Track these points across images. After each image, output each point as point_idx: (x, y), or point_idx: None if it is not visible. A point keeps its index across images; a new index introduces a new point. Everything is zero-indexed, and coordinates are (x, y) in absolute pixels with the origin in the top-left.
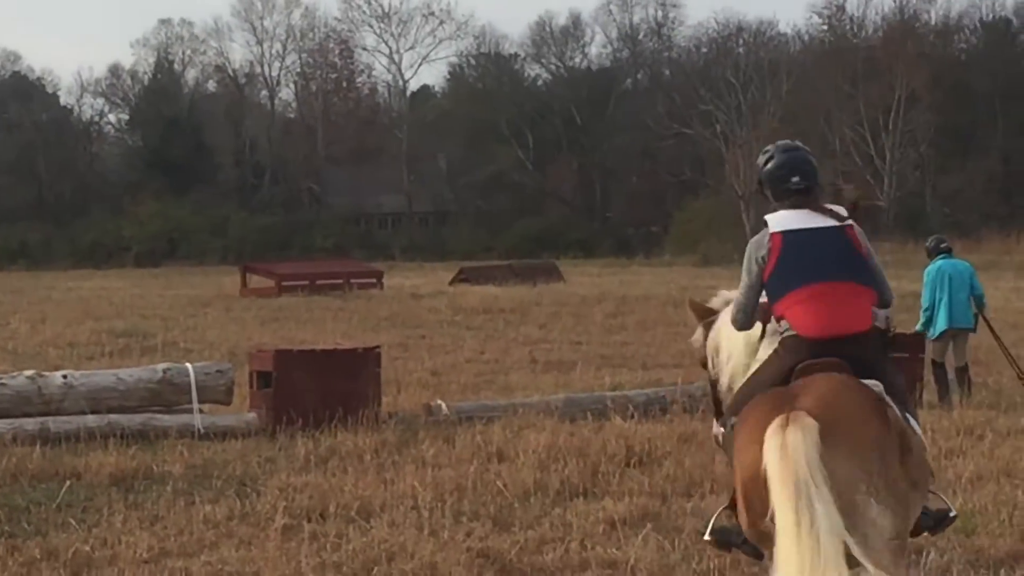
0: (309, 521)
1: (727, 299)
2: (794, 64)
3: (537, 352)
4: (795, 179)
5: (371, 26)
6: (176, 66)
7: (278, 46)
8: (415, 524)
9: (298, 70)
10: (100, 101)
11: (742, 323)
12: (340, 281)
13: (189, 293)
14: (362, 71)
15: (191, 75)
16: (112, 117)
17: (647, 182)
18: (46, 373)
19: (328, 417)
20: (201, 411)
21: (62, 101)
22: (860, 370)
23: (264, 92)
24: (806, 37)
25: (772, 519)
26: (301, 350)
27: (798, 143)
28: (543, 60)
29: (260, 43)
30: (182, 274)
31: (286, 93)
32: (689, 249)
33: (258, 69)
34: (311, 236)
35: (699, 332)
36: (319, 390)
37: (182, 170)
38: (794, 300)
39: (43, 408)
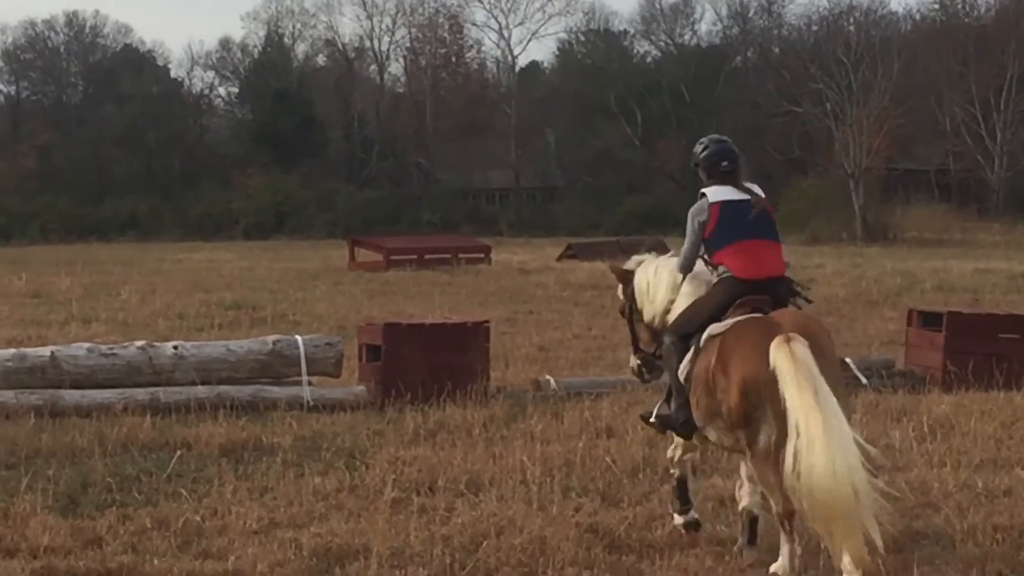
0: (418, 494)
1: (638, 261)
2: (905, 43)
3: None
4: (724, 163)
5: (481, 1)
6: (286, 40)
7: (388, 20)
8: (524, 498)
9: (407, 45)
10: (210, 74)
11: (685, 269)
12: (448, 256)
13: (298, 266)
14: (471, 46)
15: (301, 49)
16: (222, 90)
17: (755, 160)
18: (157, 344)
19: (437, 391)
20: (310, 383)
21: (172, 74)
22: (778, 304)
23: (373, 66)
24: (917, 16)
25: (768, 416)
26: (410, 324)
27: (726, 138)
28: (652, 37)
29: (370, 17)
30: (290, 247)
31: (395, 68)
32: (797, 228)
33: (368, 43)
34: (419, 211)
35: (620, 289)
36: (428, 364)
37: (291, 144)
38: (730, 252)
39: (153, 379)
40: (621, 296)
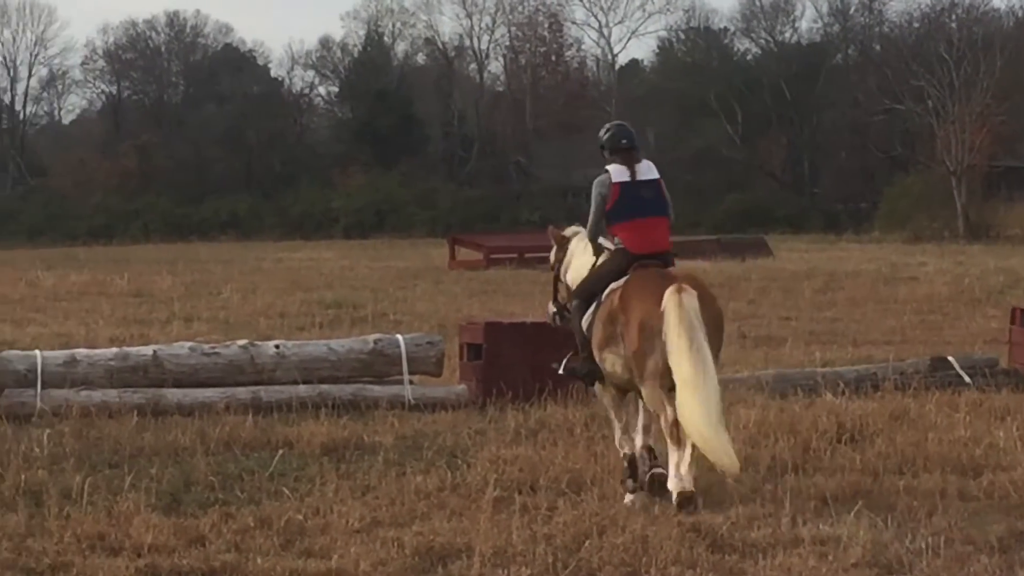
0: (520, 493)
1: (575, 231)
2: (1007, 39)
3: (746, 327)
4: (624, 141)
5: (581, 0)
6: (386, 39)
7: (487, 19)
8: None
9: (507, 43)
10: (310, 73)
11: (594, 236)
12: (548, 254)
13: (398, 265)
14: (571, 45)
15: (400, 48)
16: (322, 89)
17: (856, 158)
18: (259, 343)
19: (538, 390)
20: (411, 382)
21: (272, 73)
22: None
23: (473, 65)
24: (1020, 12)
25: (657, 347)
26: (511, 322)
27: (624, 123)
28: (753, 35)
29: (469, 16)
30: (390, 246)
31: (495, 66)
32: (899, 226)
33: (467, 42)
34: (518, 209)
35: (555, 250)
36: (529, 363)
37: (390, 142)
38: (626, 227)
39: (255, 377)
40: (553, 257)
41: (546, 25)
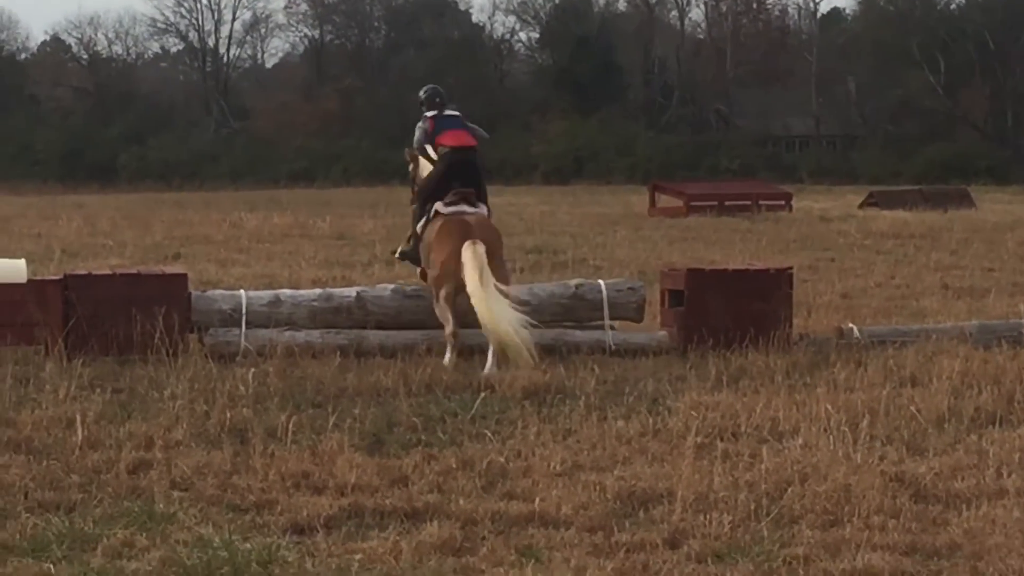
0: (721, 440)
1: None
2: None
3: (949, 278)
4: (437, 99)
5: None
6: None
7: None
8: (827, 446)
9: None
10: (511, 19)
11: (420, 150)
12: (748, 202)
13: (597, 211)
14: None
15: None
16: (523, 35)
17: None
18: None
19: (739, 337)
20: (612, 328)
21: (474, 19)
22: (477, 191)
23: (674, 12)
24: None
25: (452, 280)
26: (713, 269)
27: (438, 86)
28: None
29: None
30: (589, 192)
31: (696, 14)
32: None
33: None
34: (718, 157)
35: (411, 166)
36: (730, 310)
37: (590, 89)
38: (444, 136)
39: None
40: (413, 169)
41: None
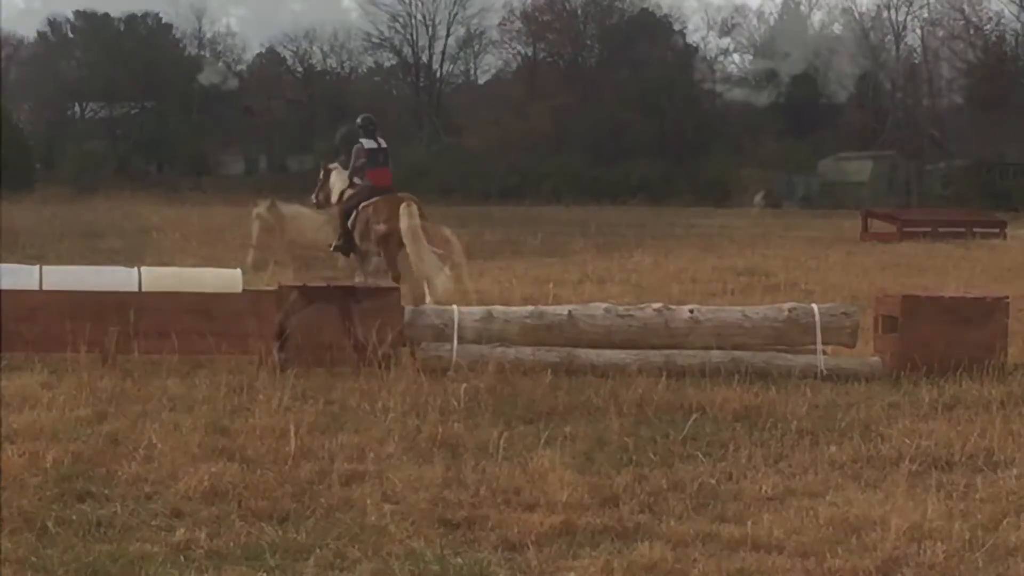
0: (935, 468)
1: (335, 166)
2: None
3: None
4: (371, 126)
5: None
6: (802, 8)
7: None
8: None
9: (925, 15)
10: (725, 40)
11: (351, 176)
12: (962, 229)
13: (809, 235)
14: (990, 19)
15: (817, 17)
16: (736, 57)
17: None
18: (672, 307)
19: (953, 365)
20: (824, 352)
21: (688, 40)
22: None
23: (889, 36)
24: None
25: (398, 240)
26: (928, 296)
27: (371, 115)
28: None
29: None
30: (801, 216)
31: (911, 38)
32: None
33: (884, 13)
34: (931, 183)
35: (322, 175)
36: (945, 337)
37: (804, 111)
38: (370, 174)
39: (669, 341)
40: (320, 181)
41: None
